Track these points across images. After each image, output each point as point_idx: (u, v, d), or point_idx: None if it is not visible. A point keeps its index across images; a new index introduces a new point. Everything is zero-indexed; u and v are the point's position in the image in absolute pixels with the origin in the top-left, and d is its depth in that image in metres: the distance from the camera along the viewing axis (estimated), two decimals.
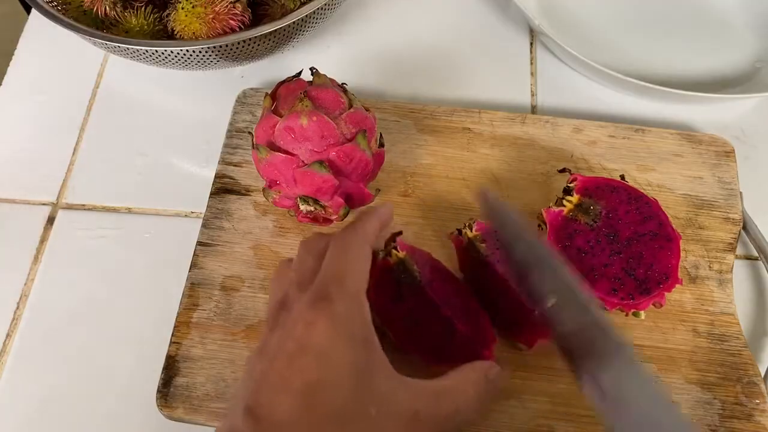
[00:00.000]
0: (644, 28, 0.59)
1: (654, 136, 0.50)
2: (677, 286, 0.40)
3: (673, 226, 0.41)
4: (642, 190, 0.42)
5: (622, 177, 0.43)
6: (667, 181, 0.48)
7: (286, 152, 0.41)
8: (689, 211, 0.46)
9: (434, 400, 0.32)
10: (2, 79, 0.55)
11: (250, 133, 0.49)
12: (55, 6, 0.49)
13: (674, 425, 0.31)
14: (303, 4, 0.49)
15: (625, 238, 0.40)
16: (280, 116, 0.41)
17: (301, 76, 0.45)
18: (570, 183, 0.42)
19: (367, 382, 0.30)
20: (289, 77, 0.45)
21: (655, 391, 0.31)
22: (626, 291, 0.39)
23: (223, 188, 0.47)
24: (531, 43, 0.58)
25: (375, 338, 0.31)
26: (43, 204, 0.49)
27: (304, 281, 0.33)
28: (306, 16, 0.48)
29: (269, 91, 0.44)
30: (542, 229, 0.42)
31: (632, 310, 0.40)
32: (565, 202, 0.42)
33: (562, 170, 0.44)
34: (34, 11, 0.59)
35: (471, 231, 0.41)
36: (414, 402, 0.31)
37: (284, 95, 0.43)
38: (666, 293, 0.39)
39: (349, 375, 0.29)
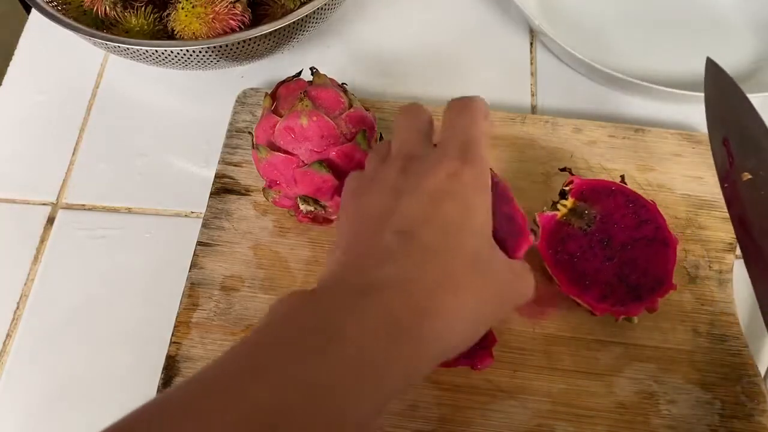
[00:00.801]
0: (644, 27, 0.59)
1: (654, 136, 0.50)
2: (673, 290, 0.40)
3: (672, 228, 0.41)
4: (642, 192, 0.42)
5: (623, 178, 0.43)
6: (667, 181, 0.48)
7: (286, 152, 0.41)
8: (689, 211, 0.46)
9: (514, 277, 0.34)
10: (2, 79, 0.55)
11: (250, 133, 0.49)
12: (55, 6, 0.49)
13: None
14: (303, 4, 0.49)
15: (620, 243, 0.40)
16: (280, 116, 0.41)
17: (301, 76, 0.45)
18: (566, 186, 0.42)
19: (487, 241, 0.33)
20: (289, 77, 0.45)
21: None
22: (617, 297, 0.39)
23: (223, 188, 0.47)
24: (531, 43, 0.58)
25: (490, 209, 0.33)
26: (43, 204, 0.49)
27: (428, 139, 0.36)
28: (306, 16, 0.48)
29: (269, 91, 0.44)
30: (535, 233, 0.41)
31: (622, 316, 0.40)
32: (559, 206, 0.42)
33: (563, 169, 0.44)
34: (34, 11, 0.59)
35: None
36: (507, 270, 0.33)
37: (284, 95, 0.43)
38: (659, 298, 0.39)
39: (481, 228, 0.32)
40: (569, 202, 0.41)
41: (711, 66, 0.42)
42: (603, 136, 0.49)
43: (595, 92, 0.55)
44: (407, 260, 0.30)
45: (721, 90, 0.41)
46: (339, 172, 0.41)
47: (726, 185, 0.40)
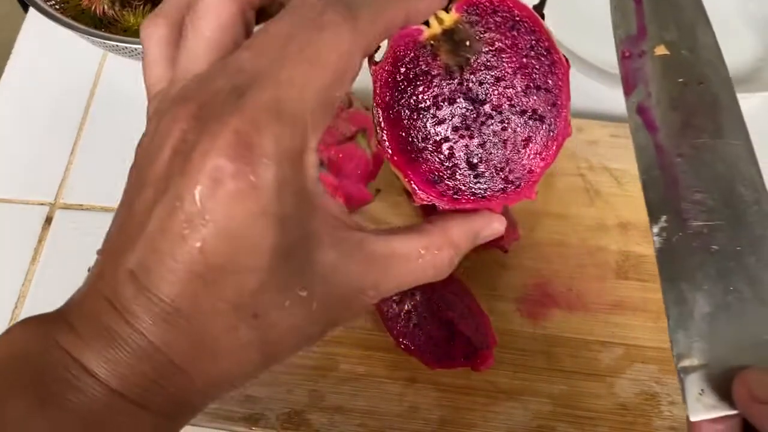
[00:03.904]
0: None
1: None
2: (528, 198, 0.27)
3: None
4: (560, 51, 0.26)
5: (541, 10, 0.26)
6: None
7: None
8: None
9: (395, 267, 0.24)
10: (0, 78, 0.55)
11: None
12: (54, 5, 0.49)
13: None
14: None
15: (493, 108, 0.25)
16: None
17: None
18: None
19: (297, 262, 0.22)
20: None
21: None
22: (451, 186, 0.25)
23: None
24: None
25: (318, 198, 0.22)
26: (41, 204, 0.49)
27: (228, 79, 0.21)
28: None
29: None
30: (373, 62, 0.25)
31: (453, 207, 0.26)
32: (432, 20, 0.25)
33: None
34: (32, 10, 0.58)
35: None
36: (367, 275, 0.23)
37: None
38: (518, 200, 0.26)
39: (270, 257, 0.21)
40: (450, 17, 0.25)
41: None
42: (605, 136, 0.49)
43: (597, 91, 0.55)
44: (145, 322, 0.21)
45: None
46: (339, 172, 0.41)
47: (627, 56, 0.28)
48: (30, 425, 0.20)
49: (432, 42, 0.25)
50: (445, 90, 0.25)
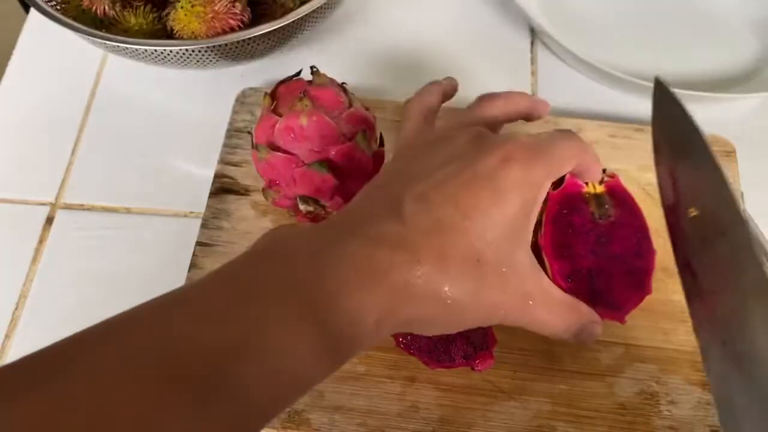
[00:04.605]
0: (645, 27, 0.59)
1: None
2: (621, 323, 0.39)
3: (652, 282, 0.39)
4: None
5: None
6: None
7: (286, 152, 0.41)
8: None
9: (547, 300, 0.33)
10: (0, 78, 0.55)
11: (249, 132, 0.49)
12: (54, 5, 0.49)
13: None
14: (303, 3, 0.49)
15: (612, 252, 0.39)
16: (280, 116, 0.41)
17: (301, 76, 0.45)
18: (607, 176, 0.42)
19: (510, 244, 0.31)
20: (288, 76, 0.45)
21: None
22: (578, 286, 0.38)
23: (223, 188, 0.47)
24: (531, 43, 0.58)
25: (531, 220, 0.32)
26: (42, 204, 0.49)
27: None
28: (305, 15, 0.47)
29: (269, 91, 0.44)
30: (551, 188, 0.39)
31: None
32: (591, 184, 0.41)
33: (605, 172, 0.42)
34: (33, 10, 0.58)
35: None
36: (535, 289, 0.32)
37: (284, 94, 0.43)
38: (605, 319, 0.37)
39: (506, 225, 0.31)
40: (600, 188, 0.41)
41: (659, 87, 0.37)
42: (604, 136, 0.49)
43: (596, 92, 0.55)
44: (409, 226, 0.29)
45: (669, 113, 0.36)
46: (339, 171, 0.41)
47: (671, 220, 0.34)
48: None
49: (587, 195, 0.41)
50: (588, 224, 0.40)
